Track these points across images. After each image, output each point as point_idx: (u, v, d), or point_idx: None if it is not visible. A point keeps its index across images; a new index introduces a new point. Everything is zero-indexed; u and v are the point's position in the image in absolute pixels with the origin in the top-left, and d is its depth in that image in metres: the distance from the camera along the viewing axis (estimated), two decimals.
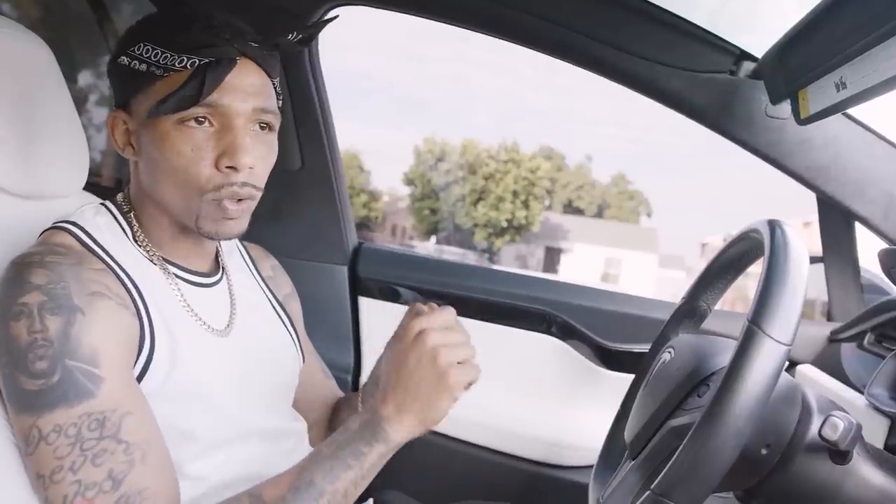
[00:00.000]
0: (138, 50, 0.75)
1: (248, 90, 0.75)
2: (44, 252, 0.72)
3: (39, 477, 0.67)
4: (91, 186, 0.97)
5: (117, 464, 0.67)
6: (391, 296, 1.46)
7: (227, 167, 0.74)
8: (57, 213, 0.83)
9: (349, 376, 1.44)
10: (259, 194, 0.79)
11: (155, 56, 0.74)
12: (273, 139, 0.80)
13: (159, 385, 0.74)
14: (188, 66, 0.73)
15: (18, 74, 0.85)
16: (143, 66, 0.74)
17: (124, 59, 0.76)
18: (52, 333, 0.67)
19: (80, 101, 2.65)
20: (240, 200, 0.76)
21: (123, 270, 0.76)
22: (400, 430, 0.71)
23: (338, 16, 0.82)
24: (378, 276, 1.47)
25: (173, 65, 0.73)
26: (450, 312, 0.72)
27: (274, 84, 0.80)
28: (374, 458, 0.71)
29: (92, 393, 0.68)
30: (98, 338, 0.69)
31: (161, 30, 0.75)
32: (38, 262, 0.70)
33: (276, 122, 0.79)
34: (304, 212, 1.50)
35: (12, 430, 0.71)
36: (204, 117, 0.74)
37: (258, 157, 0.76)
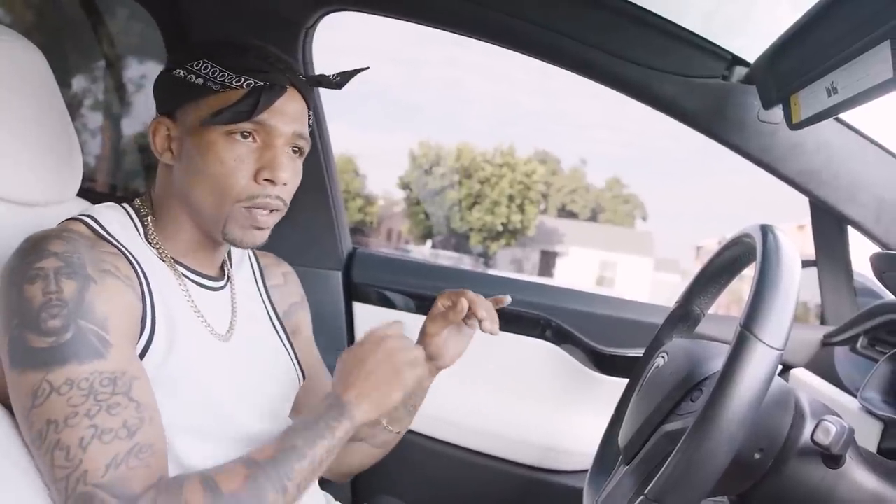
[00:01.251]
0: (197, 66, 0.81)
1: (291, 115, 0.82)
2: (60, 230, 0.76)
3: (50, 423, 0.67)
4: (85, 192, 0.97)
5: (130, 417, 0.70)
6: (386, 301, 1.46)
7: (266, 180, 0.80)
8: (51, 220, 0.82)
9: None
10: (285, 210, 0.85)
11: (213, 73, 0.80)
12: (300, 164, 0.86)
13: (153, 371, 0.76)
14: (244, 86, 0.80)
15: (12, 80, 0.85)
16: (200, 81, 0.80)
17: (180, 72, 0.81)
18: (66, 295, 0.70)
19: (73, 106, 2.64)
20: (270, 211, 0.82)
21: (134, 258, 0.79)
22: (360, 412, 0.80)
23: (368, 67, 0.90)
24: (372, 281, 1.47)
25: (230, 83, 0.80)
26: (399, 325, 0.87)
27: (309, 114, 0.87)
28: (342, 431, 0.79)
29: (102, 354, 0.70)
30: (108, 307, 0.72)
31: (222, 52, 0.82)
32: (56, 235, 0.74)
33: (307, 147, 0.86)
34: (298, 217, 1.48)
35: (14, 427, 0.71)
36: (249, 132, 0.80)
37: (289, 176, 0.82)
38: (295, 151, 0.84)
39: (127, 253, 0.79)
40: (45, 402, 0.68)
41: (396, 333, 0.85)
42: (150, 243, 0.83)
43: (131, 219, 0.84)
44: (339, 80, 0.87)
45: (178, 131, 0.83)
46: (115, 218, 0.82)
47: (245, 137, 0.80)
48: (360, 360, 0.82)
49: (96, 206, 0.84)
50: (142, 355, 0.76)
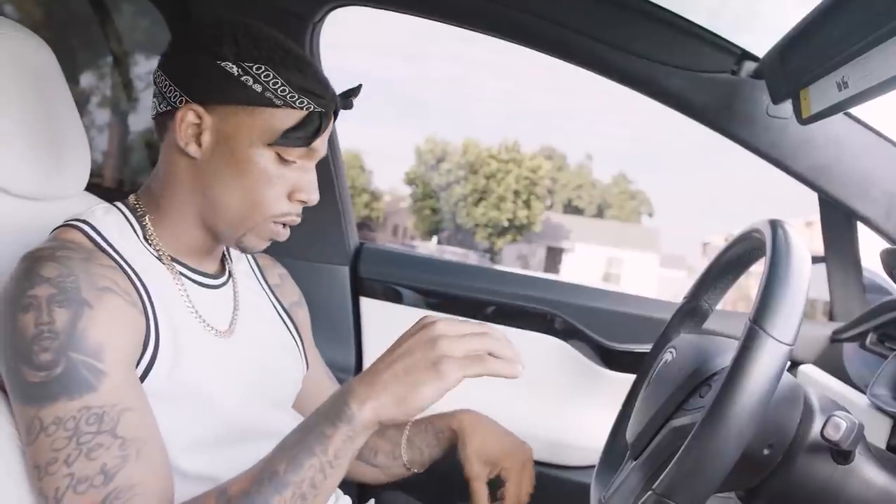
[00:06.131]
0: (257, 69, 0.76)
1: (325, 138, 0.83)
2: (55, 247, 0.73)
3: (36, 468, 0.67)
4: (92, 187, 0.97)
5: (111, 458, 0.67)
6: (392, 296, 1.46)
7: (300, 200, 0.82)
8: (58, 214, 0.83)
9: (350, 377, 1.44)
10: None
11: (275, 85, 0.76)
12: None
13: (162, 383, 0.75)
14: (304, 108, 0.78)
15: (20, 75, 0.85)
16: (258, 87, 0.76)
17: (233, 68, 0.75)
18: (58, 325, 0.67)
19: (81, 102, 2.65)
20: (285, 225, 0.84)
21: (132, 268, 0.77)
22: (365, 409, 0.66)
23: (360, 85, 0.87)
24: (379, 276, 1.47)
25: (293, 102, 0.77)
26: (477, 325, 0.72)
27: None
28: (338, 441, 0.66)
29: (93, 387, 0.68)
30: (104, 332, 0.70)
31: (282, 61, 0.77)
32: (49, 257, 0.71)
33: None
34: (305, 212, 1.49)
35: (15, 426, 0.71)
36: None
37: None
38: None
39: (125, 264, 0.76)
40: (35, 442, 0.67)
41: (451, 324, 0.69)
42: (148, 243, 0.81)
43: (128, 220, 0.81)
44: (350, 101, 0.87)
45: (212, 125, 0.77)
46: (112, 222, 0.80)
47: (293, 161, 0.80)
48: (393, 347, 0.69)
49: (94, 208, 0.81)
50: (148, 369, 0.74)
